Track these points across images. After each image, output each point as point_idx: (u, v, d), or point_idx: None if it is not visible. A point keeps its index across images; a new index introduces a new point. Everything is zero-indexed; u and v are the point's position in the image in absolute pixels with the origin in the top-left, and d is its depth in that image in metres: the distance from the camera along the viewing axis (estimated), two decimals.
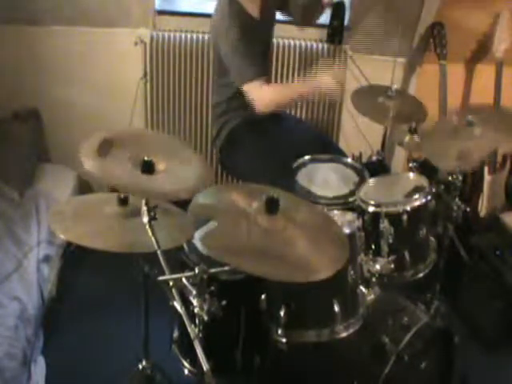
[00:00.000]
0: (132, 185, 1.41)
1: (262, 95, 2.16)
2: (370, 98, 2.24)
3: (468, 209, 2.07)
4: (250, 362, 1.75)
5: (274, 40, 2.65)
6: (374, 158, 2.53)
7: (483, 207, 2.83)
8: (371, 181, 2.11)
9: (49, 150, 3.01)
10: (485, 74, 3.03)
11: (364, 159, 2.60)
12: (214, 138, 2.47)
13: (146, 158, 1.43)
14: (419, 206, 1.87)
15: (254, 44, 2.21)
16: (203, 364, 1.28)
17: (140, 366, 1.85)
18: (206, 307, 1.35)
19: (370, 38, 2.94)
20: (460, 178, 2.00)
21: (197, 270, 1.37)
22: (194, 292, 1.37)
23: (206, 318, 1.35)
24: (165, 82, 2.89)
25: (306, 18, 2.53)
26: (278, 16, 2.54)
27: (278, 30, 2.59)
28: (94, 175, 1.36)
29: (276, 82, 2.84)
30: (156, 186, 1.41)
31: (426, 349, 1.73)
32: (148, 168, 1.43)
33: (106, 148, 1.42)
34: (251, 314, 1.69)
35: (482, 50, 3.00)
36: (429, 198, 1.90)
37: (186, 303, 1.38)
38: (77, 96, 2.88)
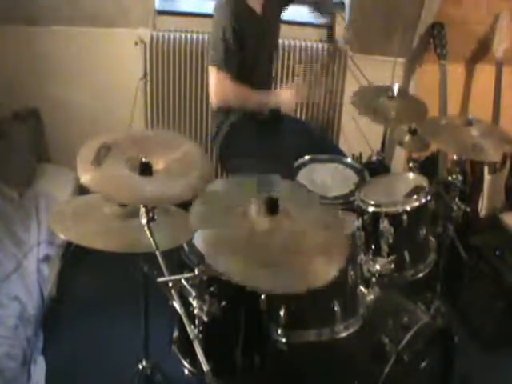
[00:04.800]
0: (130, 193, 1.39)
1: (221, 86, 2.22)
2: (370, 99, 2.23)
3: (468, 209, 2.07)
4: (250, 362, 1.75)
5: None
6: (374, 158, 2.53)
7: (483, 207, 2.83)
8: (371, 181, 2.11)
9: (49, 150, 3.01)
10: (485, 74, 3.03)
11: (364, 159, 2.60)
12: (214, 136, 2.47)
13: (143, 160, 1.41)
14: (419, 206, 1.87)
15: (245, 38, 2.22)
16: (203, 364, 1.28)
17: (140, 366, 1.85)
18: (205, 308, 1.35)
19: (369, 38, 2.94)
20: (460, 177, 2.00)
21: (196, 271, 1.37)
22: (194, 293, 1.37)
23: (205, 318, 1.35)
24: (165, 81, 2.88)
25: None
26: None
27: None
28: (90, 188, 1.35)
29: (276, 81, 2.85)
30: (155, 190, 1.40)
31: (426, 349, 1.73)
32: (146, 170, 1.41)
33: (101, 156, 1.41)
34: (251, 314, 1.69)
35: (481, 50, 3.00)
36: (429, 198, 1.90)
37: (186, 303, 1.38)
38: (77, 96, 2.88)
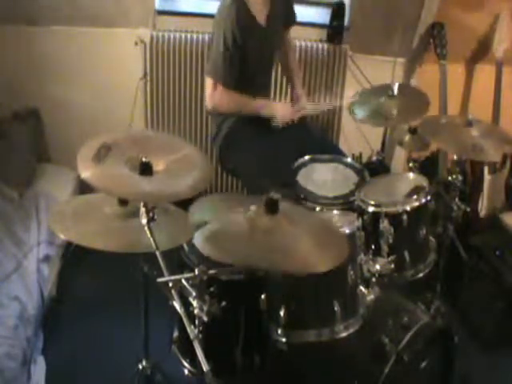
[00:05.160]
0: (130, 190, 1.40)
1: (217, 98, 2.28)
2: (370, 102, 2.23)
3: (468, 209, 2.07)
4: (250, 362, 1.75)
5: None
6: (374, 158, 2.53)
7: (483, 207, 2.83)
8: (371, 181, 2.11)
9: (49, 149, 3.01)
10: (485, 74, 3.03)
11: (364, 159, 2.60)
12: (213, 137, 2.47)
13: (143, 160, 1.42)
14: (419, 206, 1.87)
15: (247, 48, 2.23)
16: (203, 364, 1.28)
17: (140, 366, 1.85)
18: (205, 308, 1.35)
19: (369, 38, 2.94)
20: (460, 177, 2.00)
21: (196, 272, 1.37)
22: (194, 293, 1.37)
23: (205, 318, 1.35)
24: (165, 81, 2.88)
25: None
26: None
27: None
28: (91, 184, 1.35)
29: (277, 80, 2.85)
30: (155, 188, 1.40)
31: (426, 349, 1.73)
32: (146, 170, 1.41)
33: (102, 154, 1.41)
34: (251, 314, 1.69)
35: (481, 50, 3.01)
36: (429, 198, 1.90)
37: (186, 303, 1.38)
38: (77, 96, 2.89)
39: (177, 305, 1.36)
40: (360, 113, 2.22)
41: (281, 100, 2.94)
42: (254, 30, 2.28)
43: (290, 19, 2.54)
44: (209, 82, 2.28)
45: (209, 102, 2.32)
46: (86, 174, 1.36)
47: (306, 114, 2.47)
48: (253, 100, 2.32)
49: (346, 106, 2.33)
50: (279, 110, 2.38)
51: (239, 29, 2.19)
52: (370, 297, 1.72)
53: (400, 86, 2.21)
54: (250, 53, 2.27)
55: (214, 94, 2.27)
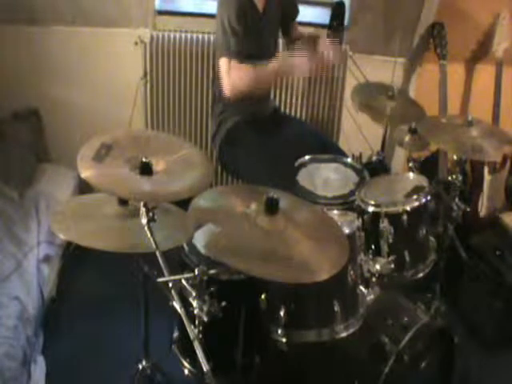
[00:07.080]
0: (130, 190, 1.40)
1: (235, 73, 2.16)
2: (369, 96, 2.24)
3: (468, 209, 2.07)
4: (250, 361, 1.75)
5: None
6: (374, 158, 2.53)
7: (483, 207, 2.83)
8: (371, 181, 2.11)
9: (49, 150, 3.01)
10: (485, 74, 3.03)
11: (364, 159, 2.60)
12: (213, 136, 2.47)
13: (143, 160, 1.42)
14: (419, 206, 1.87)
15: (249, 32, 2.22)
16: (203, 364, 1.28)
17: (140, 366, 1.85)
18: (205, 308, 1.35)
19: (370, 38, 2.94)
20: (460, 177, 2.01)
21: (196, 272, 1.37)
22: (194, 294, 1.37)
23: (205, 318, 1.35)
24: (165, 81, 2.88)
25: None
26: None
27: None
28: (91, 183, 1.35)
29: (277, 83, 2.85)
30: (155, 188, 1.41)
31: (426, 349, 1.73)
32: (146, 170, 1.42)
33: (103, 153, 1.41)
34: (251, 314, 1.69)
35: (482, 50, 3.01)
36: (429, 198, 1.90)
37: (186, 303, 1.38)
38: (77, 96, 2.89)
39: (177, 305, 1.36)
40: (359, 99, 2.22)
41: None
42: (253, 15, 2.27)
43: (291, 11, 2.54)
44: (223, 62, 2.18)
45: (227, 83, 2.17)
46: (86, 173, 1.36)
47: (327, 63, 2.27)
48: (267, 65, 2.21)
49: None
50: (296, 62, 2.23)
51: (241, 11, 2.18)
52: (370, 297, 1.72)
53: (399, 92, 2.22)
54: (251, 39, 2.24)
55: (230, 71, 2.16)
